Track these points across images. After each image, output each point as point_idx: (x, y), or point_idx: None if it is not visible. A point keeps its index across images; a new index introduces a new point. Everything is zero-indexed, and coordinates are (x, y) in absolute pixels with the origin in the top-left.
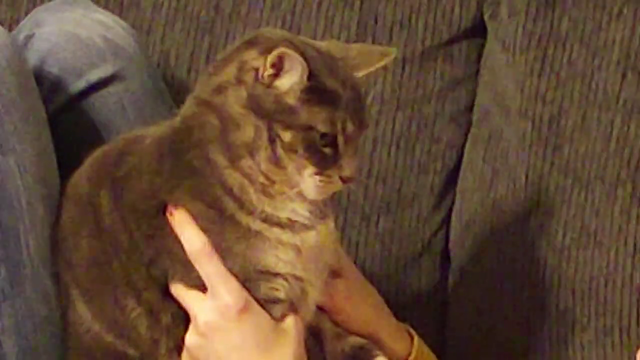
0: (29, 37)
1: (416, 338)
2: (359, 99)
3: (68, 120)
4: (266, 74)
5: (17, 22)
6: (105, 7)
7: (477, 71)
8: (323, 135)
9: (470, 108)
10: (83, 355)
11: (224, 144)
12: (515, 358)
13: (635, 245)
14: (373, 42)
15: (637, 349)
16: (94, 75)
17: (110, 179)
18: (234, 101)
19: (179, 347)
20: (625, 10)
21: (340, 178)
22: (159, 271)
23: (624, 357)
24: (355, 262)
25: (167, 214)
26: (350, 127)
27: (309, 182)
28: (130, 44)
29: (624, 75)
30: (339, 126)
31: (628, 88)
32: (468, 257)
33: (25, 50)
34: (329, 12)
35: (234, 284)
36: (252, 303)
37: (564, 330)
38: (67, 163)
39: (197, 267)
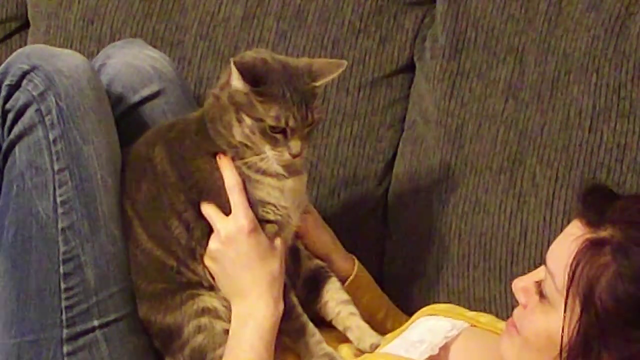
0: (102, 66)
1: (357, 261)
2: (304, 101)
3: (128, 122)
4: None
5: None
6: (160, 46)
7: (409, 95)
8: (272, 127)
9: (403, 119)
10: (139, 270)
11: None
12: (430, 286)
13: (511, 213)
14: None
15: (511, 281)
16: (145, 92)
17: (164, 138)
18: (225, 96)
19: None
20: (508, 57)
21: (290, 154)
22: (195, 195)
23: (502, 288)
24: (324, 219)
25: (217, 158)
26: (292, 122)
27: (270, 153)
28: (170, 71)
29: (506, 100)
30: (283, 121)
31: (509, 108)
32: (400, 219)
33: (100, 74)
34: (312, 51)
35: (250, 212)
36: (259, 227)
37: (462, 267)
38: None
39: (230, 195)
